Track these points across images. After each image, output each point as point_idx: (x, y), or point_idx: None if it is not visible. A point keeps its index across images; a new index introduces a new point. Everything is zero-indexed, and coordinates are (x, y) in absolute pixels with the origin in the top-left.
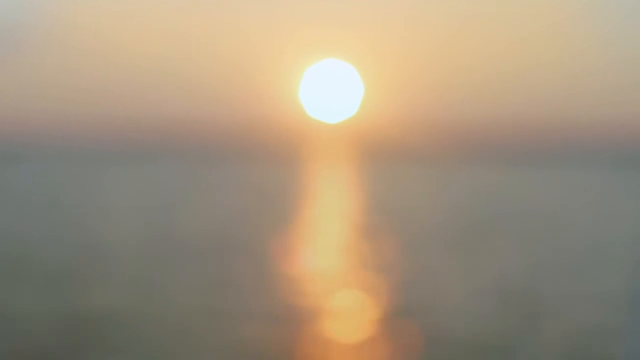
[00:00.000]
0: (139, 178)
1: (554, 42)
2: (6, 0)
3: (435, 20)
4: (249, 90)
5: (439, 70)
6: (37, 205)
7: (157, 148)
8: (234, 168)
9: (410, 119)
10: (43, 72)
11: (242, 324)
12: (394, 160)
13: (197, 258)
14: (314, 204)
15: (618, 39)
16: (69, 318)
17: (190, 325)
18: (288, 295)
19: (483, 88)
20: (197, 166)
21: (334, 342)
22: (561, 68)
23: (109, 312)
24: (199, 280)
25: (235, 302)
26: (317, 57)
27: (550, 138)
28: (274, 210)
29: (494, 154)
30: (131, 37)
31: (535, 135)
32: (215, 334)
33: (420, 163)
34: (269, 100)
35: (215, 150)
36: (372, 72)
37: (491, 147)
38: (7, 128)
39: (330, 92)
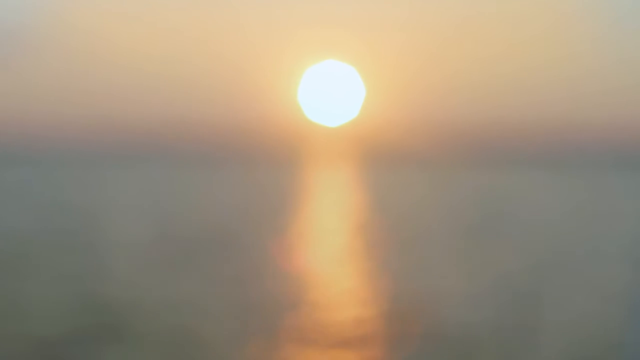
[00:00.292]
0: (138, 179)
1: (554, 44)
2: (7, 3)
3: (438, 23)
4: (249, 92)
5: (440, 72)
6: (37, 206)
7: (156, 149)
8: (233, 170)
9: (412, 121)
10: (42, 73)
11: (241, 324)
12: (396, 164)
13: (195, 259)
14: (314, 208)
15: (617, 42)
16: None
17: (189, 325)
18: (287, 294)
19: (486, 91)
20: (196, 168)
21: (332, 341)
22: (563, 70)
23: (107, 309)
24: (196, 279)
25: (233, 303)
26: (318, 59)
27: (550, 140)
28: (273, 214)
29: (494, 157)
30: (130, 39)
31: (535, 137)
32: (216, 331)
33: (422, 166)
34: (269, 103)
35: (214, 153)
36: (373, 74)
37: (492, 150)
38: (7, 129)
39: (331, 95)
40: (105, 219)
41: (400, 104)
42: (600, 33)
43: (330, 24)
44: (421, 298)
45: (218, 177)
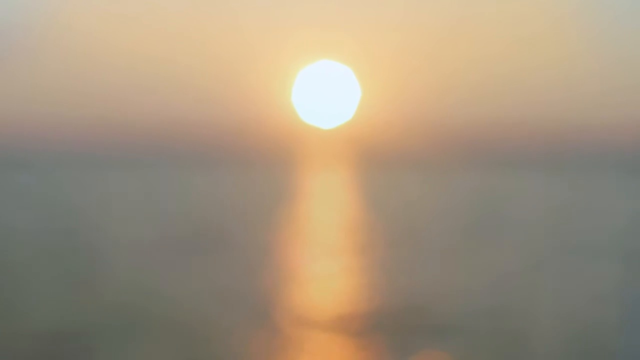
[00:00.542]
0: (133, 179)
1: (552, 44)
2: (3, 3)
3: (434, 23)
4: (242, 93)
5: (438, 73)
6: (37, 206)
7: (151, 151)
8: (227, 171)
9: (408, 122)
10: (39, 74)
11: (239, 323)
12: (393, 165)
13: (190, 259)
14: (310, 209)
15: (616, 41)
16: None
17: (189, 324)
18: (283, 296)
19: (483, 92)
20: (191, 169)
21: (329, 342)
22: (561, 70)
23: (105, 311)
24: (192, 279)
25: (230, 301)
26: (313, 59)
27: (548, 141)
28: (268, 215)
29: (491, 158)
30: (126, 40)
31: (533, 138)
32: (215, 330)
33: (420, 167)
34: (263, 104)
35: (209, 154)
36: (369, 74)
37: (489, 151)
38: (4, 130)
39: (326, 96)
40: (101, 219)
41: (396, 104)
42: (599, 33)
43: (325, 24)
44: (417, 299)
45: (212, 178)
